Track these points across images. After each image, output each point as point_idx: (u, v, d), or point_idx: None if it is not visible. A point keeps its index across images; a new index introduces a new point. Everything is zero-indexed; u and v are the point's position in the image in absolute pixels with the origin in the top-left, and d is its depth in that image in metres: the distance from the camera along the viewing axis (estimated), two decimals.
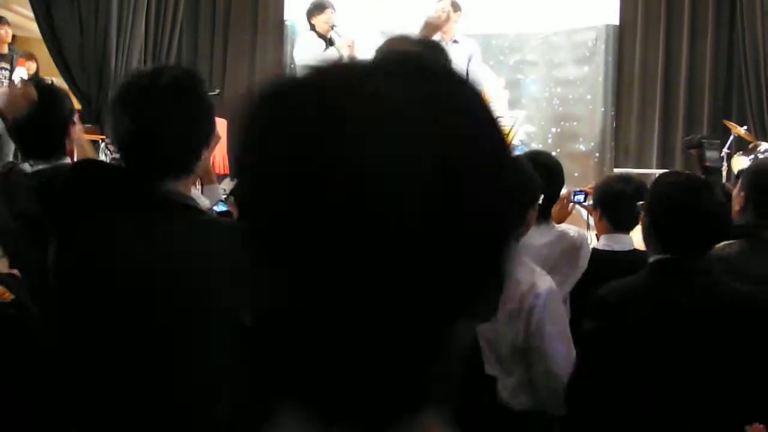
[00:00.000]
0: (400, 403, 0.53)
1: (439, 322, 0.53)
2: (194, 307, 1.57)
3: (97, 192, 1.62)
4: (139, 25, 6.86)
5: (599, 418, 1.98)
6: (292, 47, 7.85)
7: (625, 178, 2.95)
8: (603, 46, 7.70)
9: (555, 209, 2.83)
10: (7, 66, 7.31)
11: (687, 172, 3.57)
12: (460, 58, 5.36)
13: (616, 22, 7.72)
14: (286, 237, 0.51)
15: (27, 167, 2.41)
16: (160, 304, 1.56)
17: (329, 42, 5.86)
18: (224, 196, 2.81)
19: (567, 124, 7.86)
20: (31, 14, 6.70)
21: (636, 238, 2.62)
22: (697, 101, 7.43)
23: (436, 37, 3.60)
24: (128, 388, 1.56)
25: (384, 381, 0.52)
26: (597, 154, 7.71)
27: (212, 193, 2.62)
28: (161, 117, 1.60)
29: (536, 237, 2.47)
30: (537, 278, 2.11)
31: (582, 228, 3.34)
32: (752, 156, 5.64)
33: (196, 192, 1.81)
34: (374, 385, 0.52)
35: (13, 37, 7.78)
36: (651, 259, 2.03)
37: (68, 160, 2.47)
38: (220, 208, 2.40)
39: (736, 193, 2.58)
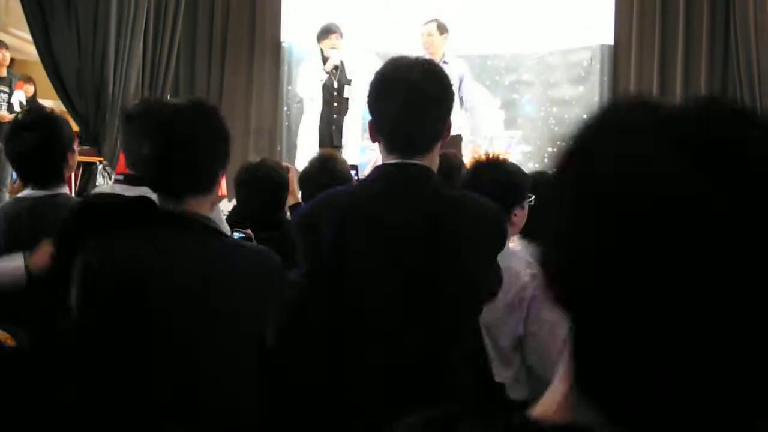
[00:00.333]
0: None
1: None
2: (219, 329, 1.60)
3: (128, 213, 1.65)
4: (136, 47, 6.89)
5: None
6: (289, 69, 7.92)
7: None
8: (598, 66, 7.74)
9: None
10: (6, 89, 7.36)
11: None
12: (450, 79, 5.39)
13: (611, 42, 7.77)
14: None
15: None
16: (185, 323, 1.58)
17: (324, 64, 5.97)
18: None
19: (563, 143, 7.87)
20: (30, 37, 6.72)
21: None
22: None
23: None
24: (149, 404, 1.57)
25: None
26: None
27: (215, 214, 2.62)
28: (191, 136, 1.62)
29: None
30: (536, 269, 2.12)
31: None
32: None
33: (215, 214, 1.83)
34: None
35: (12, 60, 7.84)
36: None
37: (66, 189, 2.47)
38: (238, 234, 2.43)
39: None
